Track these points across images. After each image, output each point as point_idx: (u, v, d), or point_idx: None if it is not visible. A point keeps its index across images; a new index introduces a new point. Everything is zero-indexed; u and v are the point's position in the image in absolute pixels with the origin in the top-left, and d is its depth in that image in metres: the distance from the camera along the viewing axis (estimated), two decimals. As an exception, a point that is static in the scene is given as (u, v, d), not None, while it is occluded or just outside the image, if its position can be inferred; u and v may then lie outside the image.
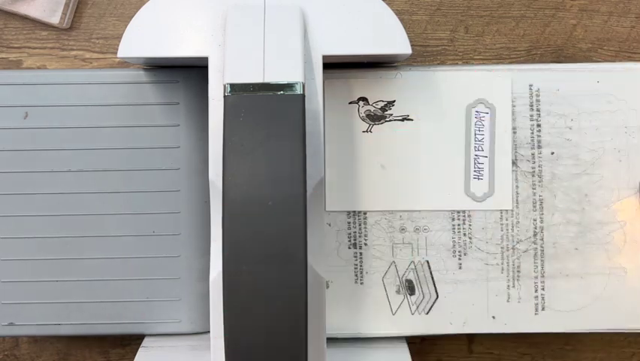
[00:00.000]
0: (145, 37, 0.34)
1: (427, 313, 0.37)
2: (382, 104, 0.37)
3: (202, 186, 0.38)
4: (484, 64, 0.42)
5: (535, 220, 0.37)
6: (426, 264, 0.37)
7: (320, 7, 0.33)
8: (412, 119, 0.37)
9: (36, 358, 0.43)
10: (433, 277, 0.37)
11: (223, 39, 0.33)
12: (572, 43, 0.43)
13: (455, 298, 0.37)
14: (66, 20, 0.42)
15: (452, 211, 0.37)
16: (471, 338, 0.43)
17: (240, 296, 0.27)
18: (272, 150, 0.28)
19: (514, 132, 0.37)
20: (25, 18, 0.42)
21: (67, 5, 0.42)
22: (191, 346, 0.38)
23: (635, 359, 0.43)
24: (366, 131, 0.37)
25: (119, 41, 0.34)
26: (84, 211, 0.37)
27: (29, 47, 0.43)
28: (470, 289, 0.37)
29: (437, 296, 0.37)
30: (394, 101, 0.37)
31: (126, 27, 0.34)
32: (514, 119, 0.37)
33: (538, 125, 0.37)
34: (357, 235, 0.37)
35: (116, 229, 0.38)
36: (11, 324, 0.38)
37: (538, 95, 0.37)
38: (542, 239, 0.37)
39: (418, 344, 0.42)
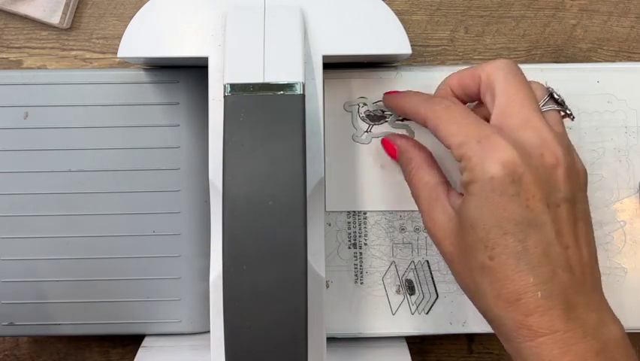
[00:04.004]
0: (145, 37, 0.34)
1: (427, 313, 0.37)
2: (382, 104, 0.37)
3: (202, 186, 0.38)
4: (484, 64, 0.42)
5: (535, 220, 0.37)
6: (426, 264, 0.37)
7: (320, 8, 0.33)
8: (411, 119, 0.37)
9: (36, 358, 0.43)
10: (433, 277, 0.37)
11: (223, 39, 0.33)
12: (572, 43, 0.43)
13: (455, 298, 0.37)
14: (66, 20, 0.42)
15: (452, 211, 0.37)
16: (471, 338, 0.43)
17: (240, 296, 0.27)
18: (272, 149, 0.28)
19: (514, 132, 0.37)
20: (25, 18, 0.42)
21: (67, 5, 0.42)
22: (191, 346, 0.38)
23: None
24: (367, 131, 0.37)
25: (119, 41, 0.34)
26: (84, 211, 0.37)
27: (29, 47, 0.43)
28: (470, 289, 0.37)
29: (437, 296, 0.37)
30: (394, 101, 0.37)
31: (126, 27, 0.34)
32: (514, 119, 0.37)
33: (538, 125, 0.37)
34: (357, 235, 0.37)
35: (116, 229, 0.38)
36: (11, 324, 0.38)
37: (538, 95, 0.37)
38: (542, 239, 0.37)
39: (418, 344, 0.42)
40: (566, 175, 0.29)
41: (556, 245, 0.28)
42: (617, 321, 0.29)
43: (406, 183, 0.35)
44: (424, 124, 0.32)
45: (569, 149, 0.30)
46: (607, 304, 0.29)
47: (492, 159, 0.28)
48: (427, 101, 0.32)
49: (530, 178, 0.28)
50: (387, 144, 0.36)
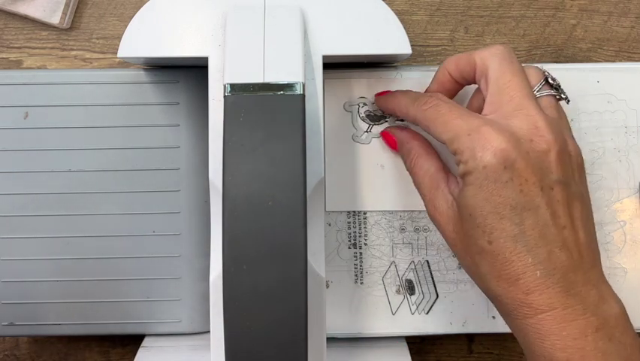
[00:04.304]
0: (145, 37, 0.34)
1: (427, 313, 0.37)
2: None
3: (202, 186, 0.38)
4: (484, 64, 0.42)
5: (535, 220, 0.37)
6: (426, 264, 0.37)
7: (320, 8, 0.33)
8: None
9: (36, 358, 0.43)
10: (433, 277, 0.37)
11: (223, 39, 0.33)
12: (572, 43, 0.43)
13: (455, 298, 0.37)
14: (66, 20, 0.42)
15: (452, 211, 0.37)
16: (471, 338, 0.43)
17: (240, 296, 0.27)
18: (272, 150, 0.28)
19: (514, 132, 0.37)
20: (25, 18, 0.42)
21: (67, 5, 0.42)
22: (191, 346, 0.38)
23: (635, 359, 0.43)
24: (367, 131, 0.37)
25: (119, 41, 0.34)
26: (84, 211, 0.37)
27: (29, 47, 0.43)
28: (470, 289, 0.37)
29: (437, 296, 0.37)
30: (394, 101, 0.37)
31: (126, 27, 0.34)
32: (514, 119, 0.37)
33: (538, 125, 0.37)
34: (357, 235, 0.37)
35: (116, 229, 0.38)
36: (11, 324, 0.38)
37: (538, 95, 0.37)
38: (542, 239, 0.37)
39: (418, 344, 0.42)
40: (558, 159, 0.29)
41: (552, 226, 0.29)
42: (617, 299, 0.30)
43: (405, 184, 0.35)
44: (416, 124, 0.33)
45: (561, 133, 0.30)
46: (606, 282, 0.30)
47: (483, 149, 0.29)
48: (414, 102, 0.33)
49: (522, 164, 0.29)
50: (387, 136, 0.37)
